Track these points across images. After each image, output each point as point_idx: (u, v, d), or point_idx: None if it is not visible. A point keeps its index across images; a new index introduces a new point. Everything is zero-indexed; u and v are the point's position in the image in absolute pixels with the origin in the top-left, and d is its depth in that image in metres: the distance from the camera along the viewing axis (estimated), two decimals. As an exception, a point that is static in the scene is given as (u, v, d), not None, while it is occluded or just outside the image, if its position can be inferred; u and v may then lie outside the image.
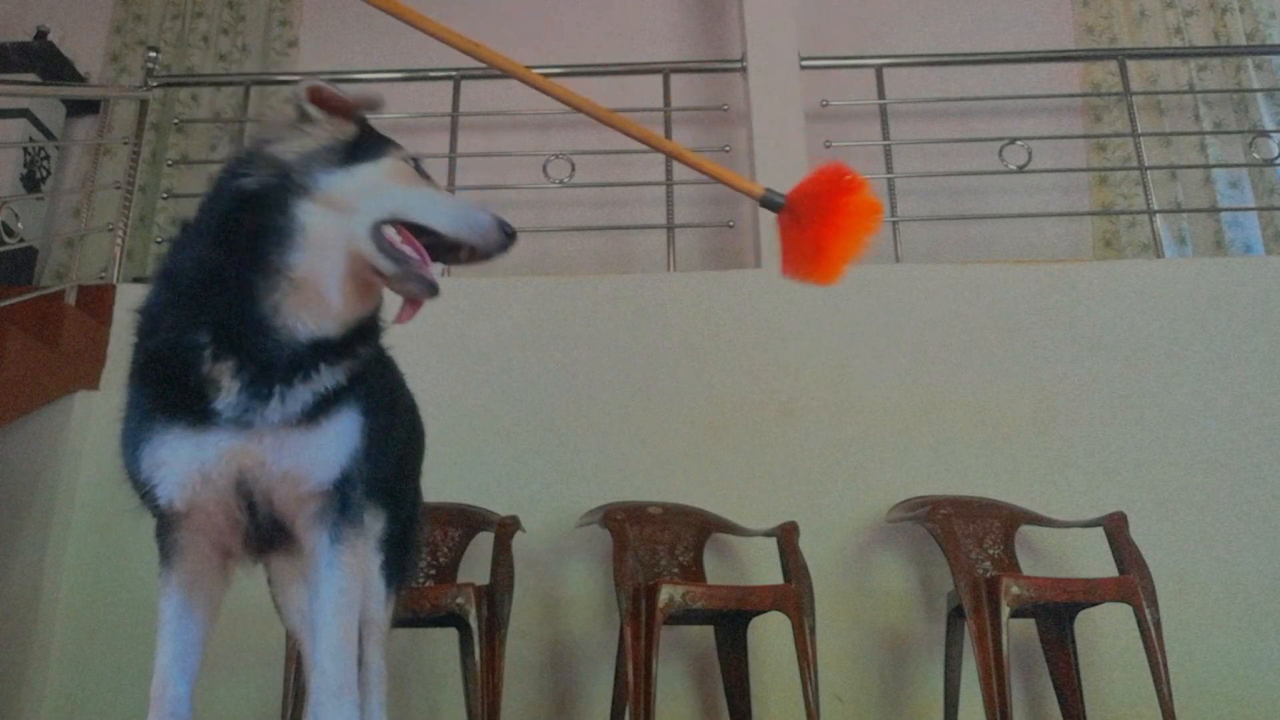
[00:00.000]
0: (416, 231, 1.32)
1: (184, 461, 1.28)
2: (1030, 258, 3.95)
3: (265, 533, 1.40)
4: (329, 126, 1.37)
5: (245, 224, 1.26)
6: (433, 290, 1.29)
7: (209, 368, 1.27)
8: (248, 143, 1.39)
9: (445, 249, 1.34)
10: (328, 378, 1.32)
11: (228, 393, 1.27)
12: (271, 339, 1.27)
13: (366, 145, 1.37)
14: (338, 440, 1.36)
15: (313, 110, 1.37)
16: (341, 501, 1.39)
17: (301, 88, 1.38)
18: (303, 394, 1.30)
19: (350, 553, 1.40)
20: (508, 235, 1.32)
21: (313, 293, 1.28)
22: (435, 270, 1.33)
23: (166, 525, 1.36)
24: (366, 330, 1.39)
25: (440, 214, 1.32)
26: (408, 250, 1.30)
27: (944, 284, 3.45)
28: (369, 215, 1.29)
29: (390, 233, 1.30)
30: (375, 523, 1.65)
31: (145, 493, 1.32)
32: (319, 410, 1.33)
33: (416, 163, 1.42)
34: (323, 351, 1.31)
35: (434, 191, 1.38)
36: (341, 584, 1.39)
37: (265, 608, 2.94)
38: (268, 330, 1.27)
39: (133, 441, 1.32)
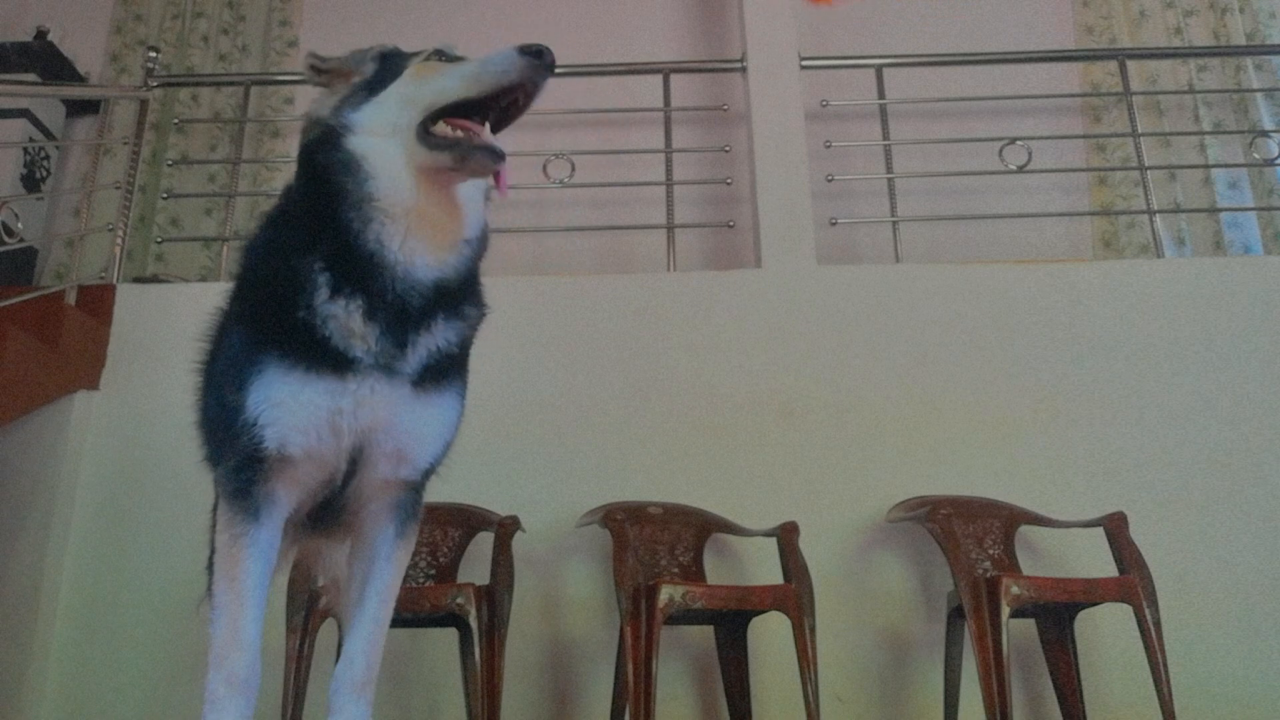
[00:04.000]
0: (463, 112, 1.32)
1: (310, 404, 1.24)
2: (1030, 258, 3.96)
3: (333, 507, 1.37)
4: (344, 79, 1.40)
5: (317, 168, 1.30)
6: (496, 155, 1.28)
7: (338, 307, 1.25)
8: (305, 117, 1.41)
9: (502, 111, 1.34)
10: (442, 335, 1.31)
11: (365, 338, 1.25)
12: (390, 274, 1.26)
13: (388, 70, 1.37)
14: (442, 420, 1.35)
15: (317, 78, 1.42)
16: (416, 496, 1.39)
17: (303, 62, 1.43)
18: (426, 345, 1.30)
19: (406, 550, 1.40)
20: (535, 55, 1.29)
21: (405, 216, 1.27)
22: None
23: (258, 475, 1.27)
24: (474, 287, 1.39)
25: (460, 82, 1.31)
26: (456, 133, 1.30)
27: (944, 284, 3.45)
28: (408, 124, 1.30)
29: (438, 127, 1.30)
30: None
31: (247, 433, 1.25)
32: (430, 376, 1.31)
33: (443, 53, 1.40)
34: (442, 298, 1.30)
35: (450, 67, 1.35)
36: (393, 581, 1.38)
37: (265, 608, 2.93)
38: (384, 265, 1.26)
39: (240, 378, 1.26)
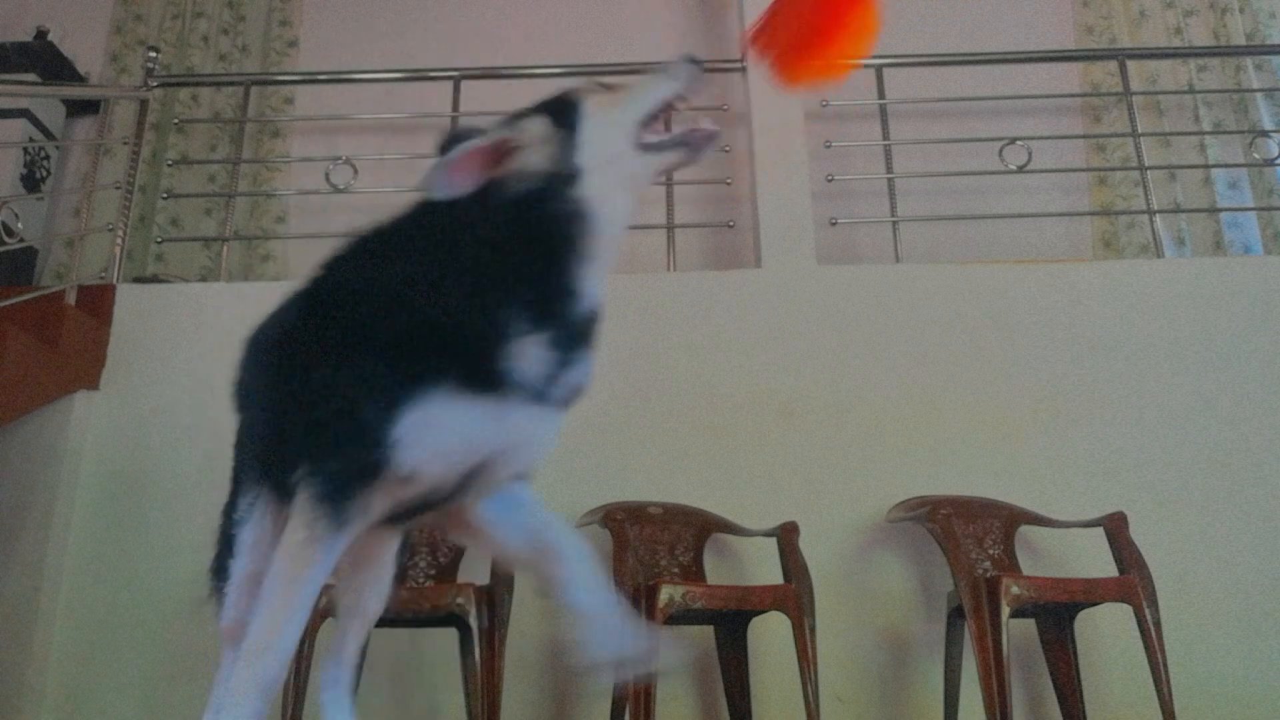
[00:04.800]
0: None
1: (463, 431, 1.24)
2: (1030, 258, 3.95)
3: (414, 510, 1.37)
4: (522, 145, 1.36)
5: (537, 219, 1.29)
6: (717, 135, 1.37)
7: (528, 341, 1.25)
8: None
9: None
10: (587, 356, 1.35)
11: (538, 366, 1.27)
12: (578, 304, 1.31)
13: (566, 114, 1.38)
14: (555, 433, 1.38)
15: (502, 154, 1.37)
16: None
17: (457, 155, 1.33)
18: (578, 368, 1.33)
19: None
20: (694, 62, 1.39)
21: (610, 251, 1.34)
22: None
23: (365, 488, 1.25)
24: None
25: (658, 94, 1.37)
26: (673, 133, 1.37)
27: (944, 284, 3.45)
28: (626, 146, 1.35)
29: (648, 137, 1.36)
30: None
31: (377, 448, 1.22)
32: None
33: (598, 83, 1.45)
34: (596, 319, 1.35)
35: (639, 84, 1.40)
36: None
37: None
38: (578, 296, 1.31)
39: (388, 394, 1.23)
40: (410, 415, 1.21)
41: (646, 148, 1.35)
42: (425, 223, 1.34)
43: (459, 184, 1.28)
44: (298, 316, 1.40)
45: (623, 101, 1.38)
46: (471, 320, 1.25)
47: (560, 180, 1.30)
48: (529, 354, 1.26)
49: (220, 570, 1.62)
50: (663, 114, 1.38)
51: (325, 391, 1.28)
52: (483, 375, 1.24)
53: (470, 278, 1.26)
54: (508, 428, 1.28)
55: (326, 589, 2.51)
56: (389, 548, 1.68)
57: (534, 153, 1.33)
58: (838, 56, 1.55)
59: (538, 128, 1.35)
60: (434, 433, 1.22)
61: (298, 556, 1.25)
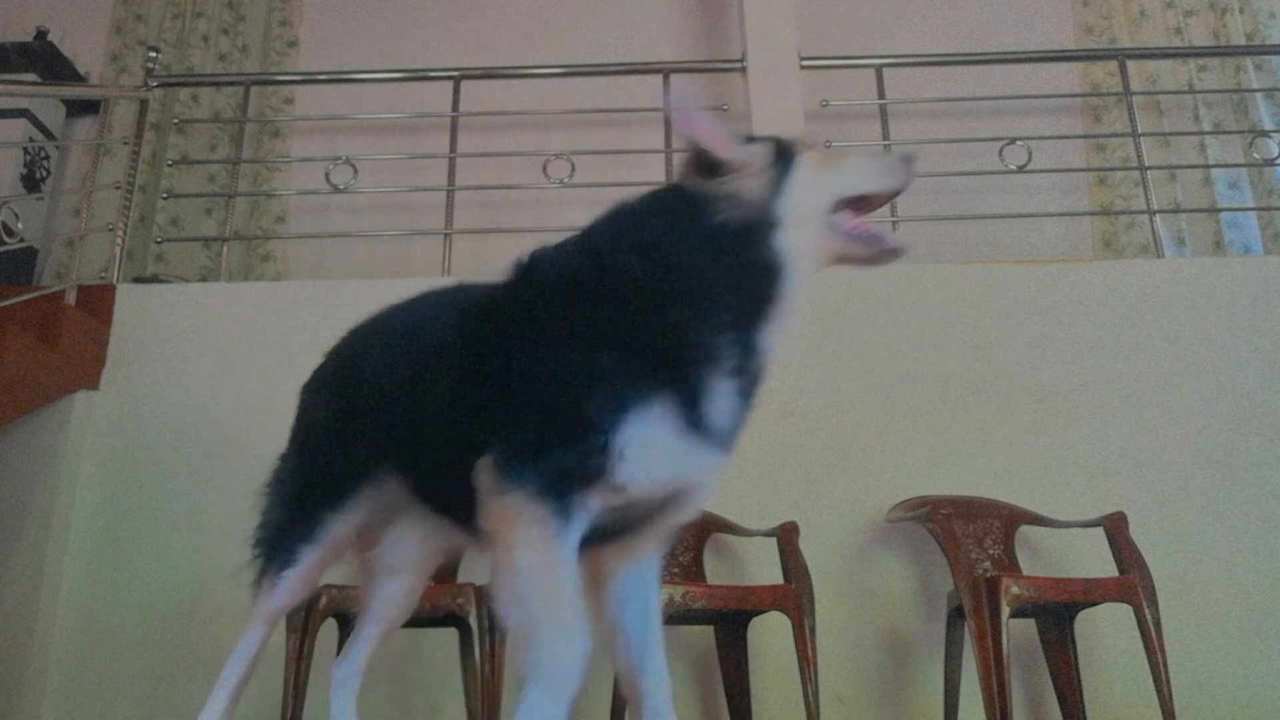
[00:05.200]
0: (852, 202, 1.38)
1: (672, 459, 1.26)
2: (1030, 258, 3.96)
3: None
4: (747, 163, 1.36)
5: (744, 260, 1.30)
6: (904, 251, 1.38)
7: (729, 384, 1.28)
8: (689, 180, 1.37)
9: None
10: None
11: (729, 414, 1.29)
12: (762, 361, 1.32)
13: (784, 158, 1.37)
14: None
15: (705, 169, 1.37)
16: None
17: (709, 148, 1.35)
18: (748, 419, 1.34)
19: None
20: (910, 163, 1.40)
21: (786, 320, 1.34)
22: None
23: (586, 488, 1.25)
24: None
25: (864, 178, 1.38)
26: (870, 228, 1.38)
27: (944, 284, 3.45)
28: (819, 215, 1.35)
29: (838, 219, 1.36)
30: None
31: (602, 456, 1.23)
32: None
33: (813, 143, 1.45)
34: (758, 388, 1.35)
35: (848, 161, 1.41)
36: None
37: (265, 608, 2.93)
38: (761, 352, 1.31)
39: (618, 406, 1.24)
40: (633, 428, 1.23)
41: (834, 228, 1.35)
42: (647, 231, 1.33)
43: (694, 130, 1.32)
44: (516, 306, 1.36)
45: (834, 170, 1.38)
46: (695, 343, 1.27)
47: (764, 224, 1.31)
48: (725, 398, 1.28)
49: (279, 550, 1.62)
50: (863, 205, 1.39)
51: (553, 384, 1.27)
52: (694, 407, 1.26)
53: (696, 297, 1.29)
54: (700, 467, 1.30)
55: (325, 589, 2.53)
56: (431, 560, 1.72)
57: (749, 180, 1.33)
58: None
59: (761, 156, 1.35)
60: (649, 453, 1.24)
61: (542, 558, 1.23)
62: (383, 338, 1.61)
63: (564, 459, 1.24)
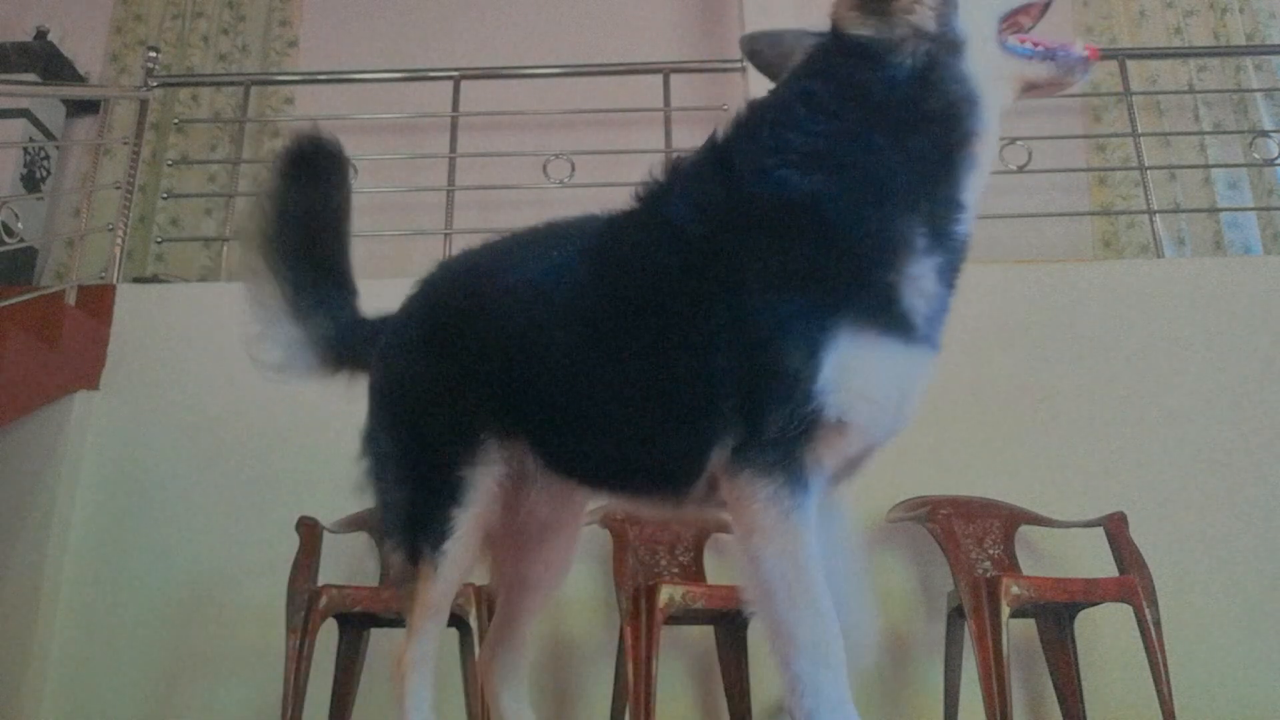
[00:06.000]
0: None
1: (881, 371, 1.13)
2: (1030, 258, 3.95)
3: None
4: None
5: (933, 102, 1.15)
6: (1090, 65, 1.23)
7: (924, 267, 1.13)
8: (851, 25, 1.19)
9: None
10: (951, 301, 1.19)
11: (927, 299, 1.14)
12: (961, 227, 1.16)
13: None
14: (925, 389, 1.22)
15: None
16: None
17: None
18: (947, 313, 1.19)
19: None
20: None
21: (988, 161, 1.17)
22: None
23: (810, 444, 1.13)
24: None
25: None
26: (1054, 44, 1.23)
27: (944, 284, 3.45)
28: (992, 33, 1.20)
29: (1012, 41, 1.22)
30: None
31: (806, 401, 1.10)
32: None
33: None
34: (964, 256, 1.19)
35: None
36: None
37: (265, 608, 2.95)
38: (962, 213, 1.15)
39: (804, 342, 1.10)
40: (829, 360, 1.09)
41: (1010, 50, 1.20)
42: (815, 123, 1.16)
43: None
44: (669, 253, 1.21)
45: None
46: (878, 233, 1.12)
47: (948, 48, 1.15)
48: (924, 287, 1.13)
49: (426, 526, 1.37)
50: (1032, 13, 1.24)
51: (744, 338, 1.13)
52: (896, 305, 1.13)
53: (875, 173, 1.13)
54: (915, 373, 1.18)
55: (325, 588, 2.53)
56: (578, 513, 1.54)
57: (922, 8, 1.16)
58: None
59: None
60: (854, 376, 1.11)
61: (782, 534, 1.13)
62: (498, 291, 1.40)
63: (781, 418, 1.11)
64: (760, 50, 1.32)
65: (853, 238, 1.12)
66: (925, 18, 1.16)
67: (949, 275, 1.17)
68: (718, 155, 1.23)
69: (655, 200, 1.27)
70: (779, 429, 1.12)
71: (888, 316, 1.12)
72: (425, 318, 1.50)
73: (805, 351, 1.10)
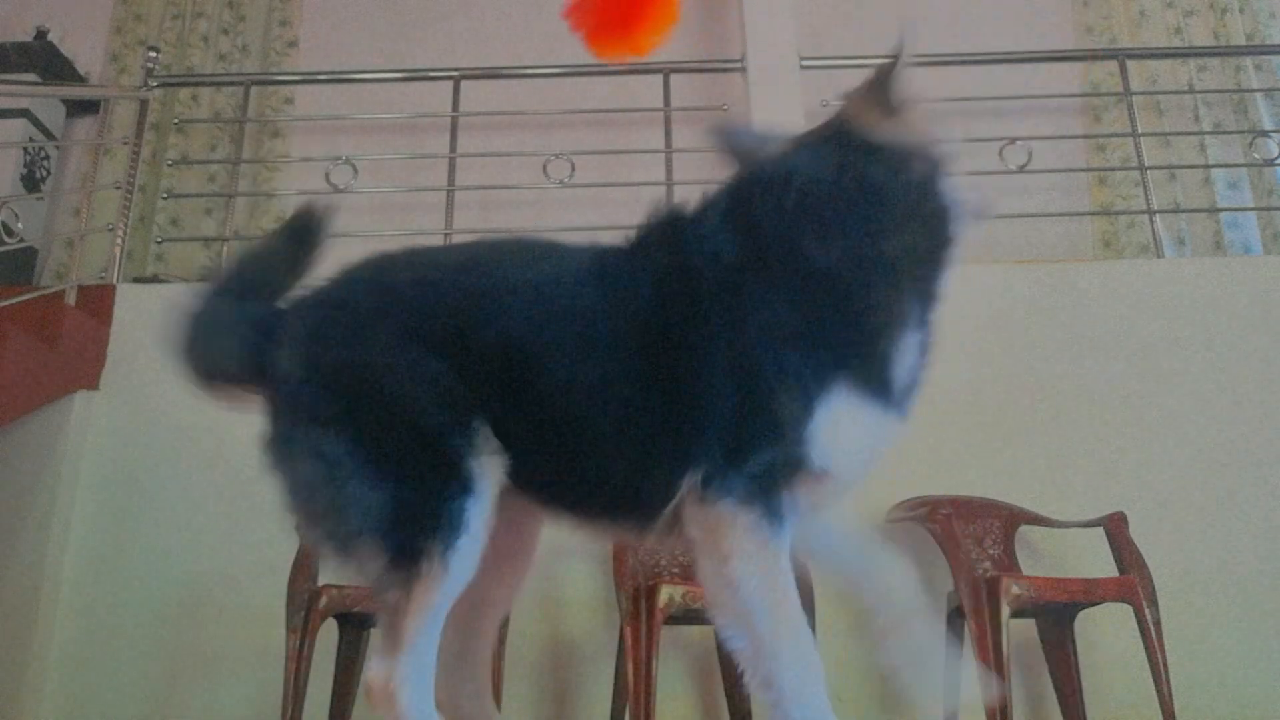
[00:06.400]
0: None
1: (862, 431, 1.23)
2: (1030, 258, 3.95)
3: None
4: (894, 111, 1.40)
5: (925, 207, 1.31)
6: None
7: (913, 340, 1.27)
8: (865, 123, 1.38)
9: None
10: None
11: (908, 369, 1.27)
12: (936, 308, 1.31)
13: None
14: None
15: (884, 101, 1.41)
16: None
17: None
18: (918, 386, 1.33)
19: None
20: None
21: (959, 253, 1.32)
22: None
23: (789, 484, 1.21)
24: None
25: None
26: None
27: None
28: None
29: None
30: None
31: (795, 446, 1.19)
32: None
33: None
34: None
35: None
36: None
37: (265, 607, 2.95)
38: (938, 299, 1.31)
39: (800, 392, 1.20)
40: (824, 410, 1.19)
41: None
42: (838, 201, 1.29)
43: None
44: (679, 289, 1.27)
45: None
46: (884, 307, 1.25)
47: (941, 162, 1.34)
48: (907, 358, 1.27)
49: (435, 519, 1.22)
50: None
51: (743, 379, 1.21)
52: (883, 372, 1.24)
53: (885, 257, 1.26)
54: (890, 435, 1.27)
55: (325, 588, 2.53)
56: (537, 530, 1.55)
57: (923, 122, 1.36)
58: (639, 39, 1.70)
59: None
60: (838, 430, 1.20)
61: (761, 565, 1.21)
62: (502, 291, 1.35)
63: (767, 458, 1.19)
64: (728, 142, 1.47)
65: (863, 308, 1.24)
66: (928, 134, 1.35)
67: (924, 353, 1.31)
68: (739, 207, 1.32)
69: (667, 232, 1.34)
70: (764, 466, 1.20)
71: (878, 382, 1.24)
72: (403, 306, 1.36)
73: (802, 401, 1.19)
